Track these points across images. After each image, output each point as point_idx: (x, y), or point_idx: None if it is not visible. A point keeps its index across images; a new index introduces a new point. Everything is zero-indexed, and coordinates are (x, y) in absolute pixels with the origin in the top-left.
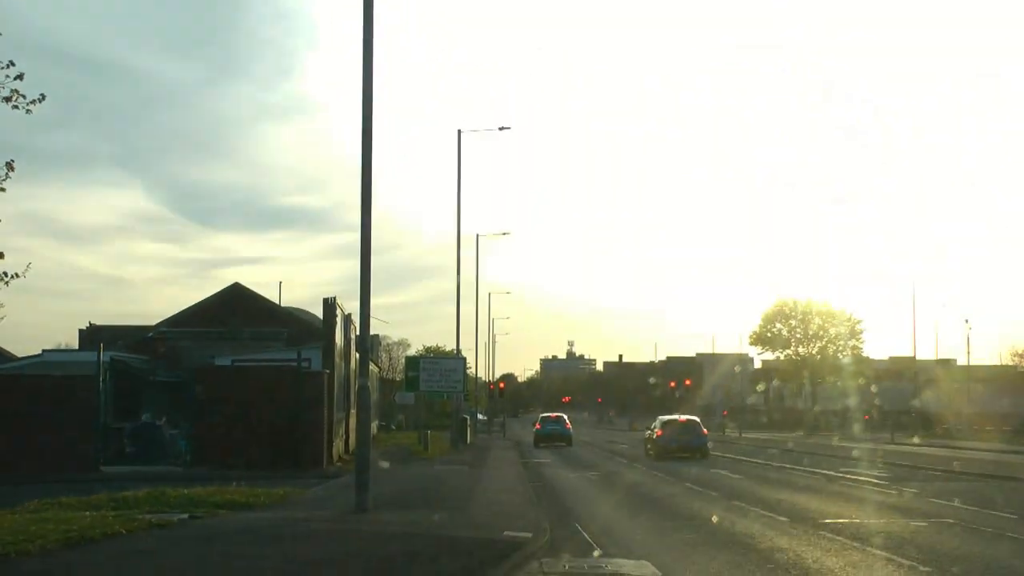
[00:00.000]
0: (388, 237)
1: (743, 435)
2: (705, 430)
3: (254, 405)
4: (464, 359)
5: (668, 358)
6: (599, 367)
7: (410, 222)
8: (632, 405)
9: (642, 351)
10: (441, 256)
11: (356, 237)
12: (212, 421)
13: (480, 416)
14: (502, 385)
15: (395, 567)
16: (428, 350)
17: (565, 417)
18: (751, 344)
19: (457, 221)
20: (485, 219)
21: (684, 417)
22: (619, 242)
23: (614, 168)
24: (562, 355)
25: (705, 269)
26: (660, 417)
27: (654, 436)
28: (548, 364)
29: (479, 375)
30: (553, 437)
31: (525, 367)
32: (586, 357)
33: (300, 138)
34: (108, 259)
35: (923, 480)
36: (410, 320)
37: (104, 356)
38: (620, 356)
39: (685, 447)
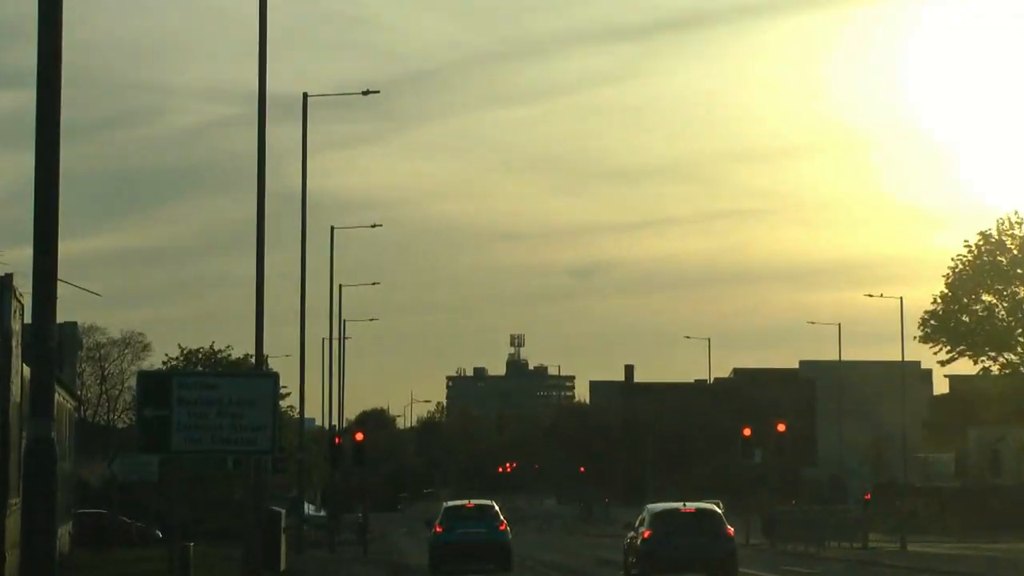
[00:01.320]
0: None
1: (911, 545)
2: (730, 528)
3: None
4: (274, 378)
5: (734, 373)
6: (580, 392)
7: None
8: (660, 477)
9: (671, 362)
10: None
11: None
12: None
13: (311, 509)
14: (359, 437)
15: None
16: (190, 356)
17: (494, 509)
18: (921, 339)
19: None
20: None
21: (692, 505)
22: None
23: None
24: (497, 365)
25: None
26: (650, 506)
27: (639, 541)
28: (464, 385)
29: (318, 418)
30: (471, 552)
31: (416, 394)
32: (553, 372)
33: None
34: None
35: None
36: (157, 293)
37: None
38: (629, 370)
39: (692, 558)
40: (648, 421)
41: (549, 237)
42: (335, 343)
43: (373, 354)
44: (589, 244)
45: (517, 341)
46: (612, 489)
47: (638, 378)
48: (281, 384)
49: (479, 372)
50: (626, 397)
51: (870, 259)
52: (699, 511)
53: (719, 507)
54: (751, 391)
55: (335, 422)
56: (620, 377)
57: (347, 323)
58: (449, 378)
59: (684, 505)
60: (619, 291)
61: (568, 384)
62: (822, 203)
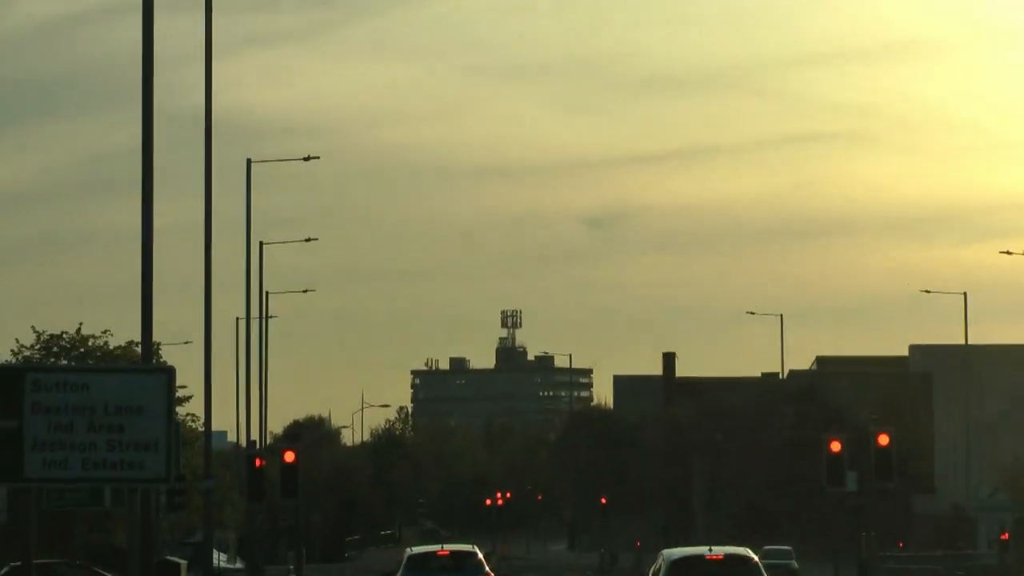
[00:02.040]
0: None
1: None
2: None
3: None
4: (169, 374)
5: (818, 363)
6: (600, 392)
7: None
8: (713, 512)
9: (727, 349)
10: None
11: None
12: None
13: (223, 560)
14: (290, 457)
15: None
16: (49, 344)
17: (477, 557)
18: None
19: None
20: None
21: (721, 551)
22: None
23: None
24: (482, 353)
25: None
26: (668, 552)
27: None
28: (437, 383)
29: (231, 432)
30: None
31: (369, 396)
32: (561, 363)
33: None
34: None
35: None
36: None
37: None
38: (668, 361)
39: None
40: (696, 432)
41: (552, 174)
42: (254, 324)
43: (308, 340)
44: (609, 183)
45: (511, 320)
46: (646, 528)
47: (682, 372)
48: (179, 383)
49: (457, 364)
50: (665, 399)
51: (1006, 202)
52: (729, 558)
53: (754, 554)
54: (841, 389)
55: (255, 437)
56: (656, 370)
57: (271, 296)
58: (415, 373)
59: (710, 551)
60: (651, 248)
61: (583, 380)
62: (938, 123)
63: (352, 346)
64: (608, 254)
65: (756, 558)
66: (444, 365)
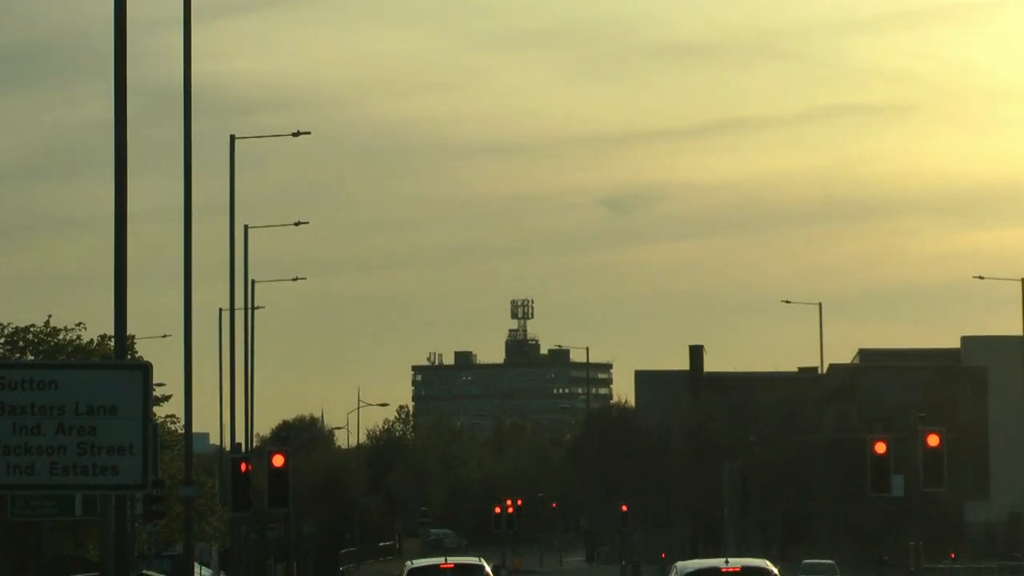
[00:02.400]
0: None
1: None
2: None
3: None
4: (145, 370)
5: (861, 357)
6: (620, 388)
7: None
8: (746, 519)
9: (760, 341)
10: None
11: None
12: None
13: (205, 575)
14: (278, 461)
15: None
16: (14, 337)
17: (484, 570)
18: None
19: None
20: None
21: (738, 563)
22: None
23: None
24: (490, 347)
25: None
26: (681, 565)
27: None
28: (441, 379)
29: (213, 434)
30: None
31: (366, 394)
32: (578, 357)
33: None
34: None
35: None
36: None
37: None
38: (695, 354)
39: None
40: (726, 432)
41: (566, 150)
42: (239, 315)
43: (298, 333)
44: (628, 160)
45: (522, 311)
46: (671, 538)
47: (710, 366)
48: (157, 380)
49: (463, 359)
50: (692, 396)
51: None
52: (747, 571)
53: (772, 566)
54: (886, 385)
55: (241, 439)
56: (681, 365)
57: (257, 285)
58: (417, 369)
59: (727, 563)
60: (676, 232)
61: (601, 376)
62: (989, 93)
63: (347, 339)
64: (628, 238)
65: (775, 570)
66: (448, 360)
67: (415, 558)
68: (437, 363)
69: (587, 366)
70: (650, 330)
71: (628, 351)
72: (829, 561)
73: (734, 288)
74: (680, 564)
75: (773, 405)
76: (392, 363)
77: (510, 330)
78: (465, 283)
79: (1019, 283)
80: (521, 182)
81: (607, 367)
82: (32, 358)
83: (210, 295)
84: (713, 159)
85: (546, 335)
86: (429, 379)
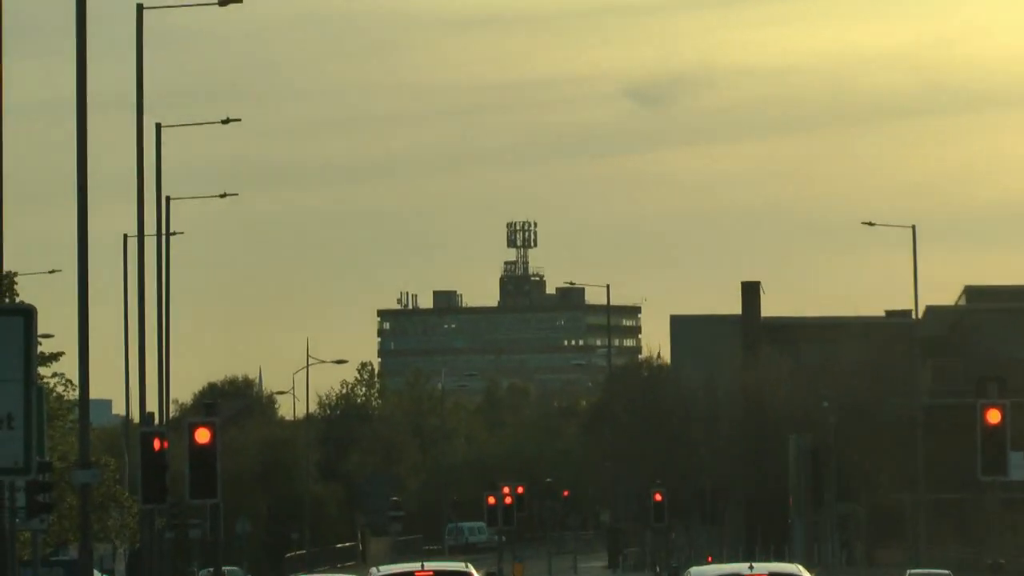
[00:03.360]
0: None
1: None
2: None
3: None
4: (26, 316)
5: (967, 296)
6: (651, 338)
7: None
8: (819, 508)
9: (832, 277)
10: None
11: None
12: None
13: None
14: (203, 436)
15: None
16: None
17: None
18: None
19: None
20: None
21: (764, 568)
22: None
23: None
24: (479, 286)
25: None
26: (695, 571)
27: None
28: (415, 327)
29: (117, 402)
30: None
31: (316, 348)
32: (595, 299)
33: None
34: None
35: None
36: None
37: None
38: (749, 292)
39: None
40: (791, 396)
41: (582, 22)
42: (150, 244)
43: (228, 267)
44: (665, 36)
45: (521, 237)
46: (721, 536)
47: (769, 310)
48: (44, 331)
49: (444, 300)
50: (746, 349)
51: None
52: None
53: (805, 572)
54: (999, 333)
55: (153, 408)
56: (731, 308)
57: (174, 203)
58: (384, 314)
59: (751, 568)
60: (725, 133)
61: (627, 323)
62: None
63: (291, 276)
64: (661, 140)
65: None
66: (426, 302)
67: (382, 564)
68: (411, 306)
69: (607, 310)
70: (690, 262)
71: (661, 290)
72: (944, 572)
73: (800, 206)
74: (695, 570)
75: (853, 361)
76: (351, 307)
77: (506, 262)
78: (447, 200)
79: None
80: (520, 65)
81: (634, 311)
82: None
83: (113, 218)
84: (774, 35)
85: (553, 269)
86: (400, 328)
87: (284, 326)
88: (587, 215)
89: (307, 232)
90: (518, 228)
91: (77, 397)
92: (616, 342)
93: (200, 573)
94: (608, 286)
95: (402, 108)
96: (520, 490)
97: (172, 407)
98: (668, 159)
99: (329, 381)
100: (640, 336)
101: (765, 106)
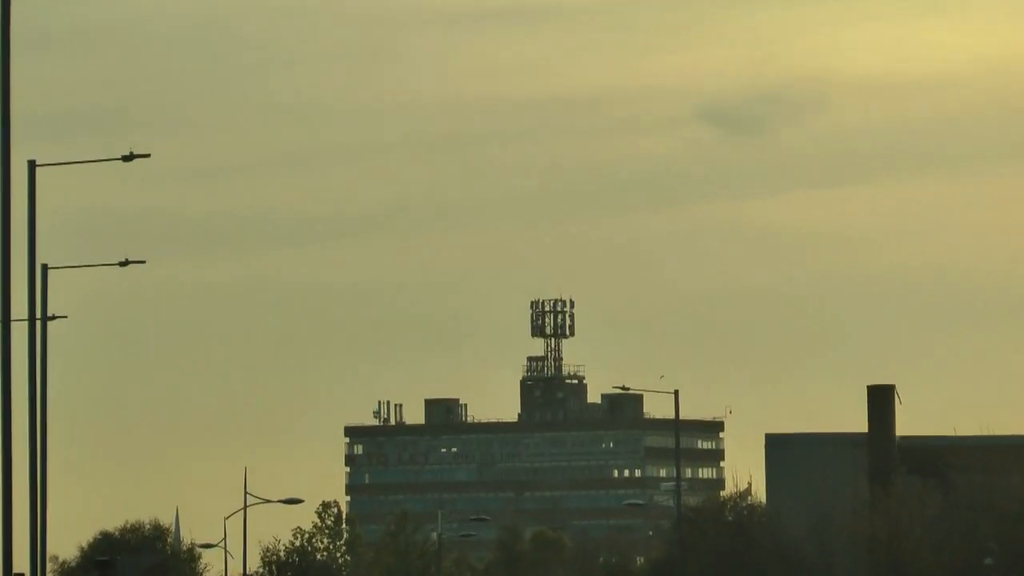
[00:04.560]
0: None
1: None
2: None
3: None
4: None
5: None
6: (739, 465)
7: None
8: None
9: None
10: None
11: None
12: None
13: None
14: None
15: None
16: None
17: None
18: None
19: None
20: None
21: None
22: None
23: None
24: (494, 389)
25: None
26: None
27: None
28: (393, 449)
29: None
30: None
31: (269, 481)
32: (656, 410)
33: None
34: None
35: None
36: None
37: None
38: (881, 399)
39: None
40: (944, 548)
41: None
42: (19, 330)
43: (133, 366)
44: (760, 35)
45: (552, 321)
46: None
47: (906, 425)
48: None
49: (442, 411)
50: (874, 478)
51: None
52: None
53: None
54: None
55: (24, 569)
56: (854, 423)
57: (53, 274)
58: (354, 432)
59: None
60: (841, 170)
61: (704, 444)
62: None
63: (221, 378)
64: (747, 182)
65: None
66: (415, 416)
67: None
68: (393, 421)
69: (675, 426)
70: (791, 359)
71: (751, 399)
72: None
73: (948, 276)
74: None
75: None
76: (308, 423)
77: (530, 358)
78: (445, 268)
79: None
80: (548, 77)
81: (713, 428)
82: None
83: None
84: (909, 33)
85: (597, 367)
86: (377, 452)
87: (212, 451)
88: (643, 290)
89: (245, 315)
90: (547, 309)
91: None
92: (688, 472)
93: None
94: (676, 392)
95: (381, 132)
96: None
97: (50, 567)
98: (757, 209)
99: (277, 528)
100: (722, 464)
101: (896, 133)
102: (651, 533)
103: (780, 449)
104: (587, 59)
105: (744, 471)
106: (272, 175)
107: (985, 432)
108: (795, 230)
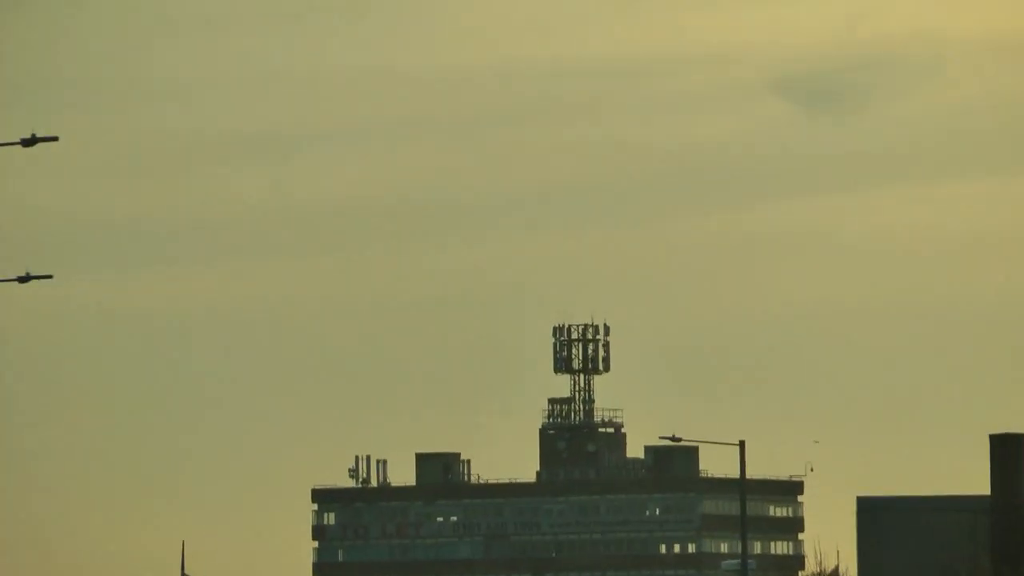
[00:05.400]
0: None
1: None
2: None
3: None
4: None
5: None
6: (823, 536)
7: None
8: None
9: None
10: None
11: None
12: None
13: None
14: None
15: None
16: None
17: None
18: None
19: None
20: None
21: None
22: None
23: None
24: (508, 441)
25: None
26: None
27: None
28: (375, 518)
29: None
30: None
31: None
32: (720, 466)
33: None
34: None
35: None
36: None
37: None
38: (1006, 450)
39: None
40: None
41: None
42: None
43: (34, 415)
44: None
45: (580, 352)
46: None
47: None
48: None
49: (436, 470)
50: (1001, 552)
51: None
52: None
53: None
54: None
55: None
56: (969, 483)
57: None
58: (323, 496)
59: None
60: (941, 157)
61: (778, 511)
62: None
63: (149, 430)
64: (834, 170)
65: None
66: (402, 475)
67: None
68: (374, 482)
69: (741, 486)
70: (888, 398)
71: (836, 452)
72: None
73: None
74: None
75: None
76: (265, 480)
77: (552, 400)
78: (442, 282)
79: None
80: (583, 39)
81: (790, 490)
82: None
83: None
84: None
85: (638, 411)
86: (354, 519)
87: (136, 518)
88: (697, 313)
89: (182, 346)
90: (574, 336)
91: None
92: (757, 547)
93: None
94: (742, 443)
95: (358, 119)
96: None
97: None
98: (846, 207)
99: None
100: (801, 536)
101: None
102: None
103: (876, 516)
104: (631, 19)
105: (829, 545)
106: (215, 169)
107: None
108: (893, 235)
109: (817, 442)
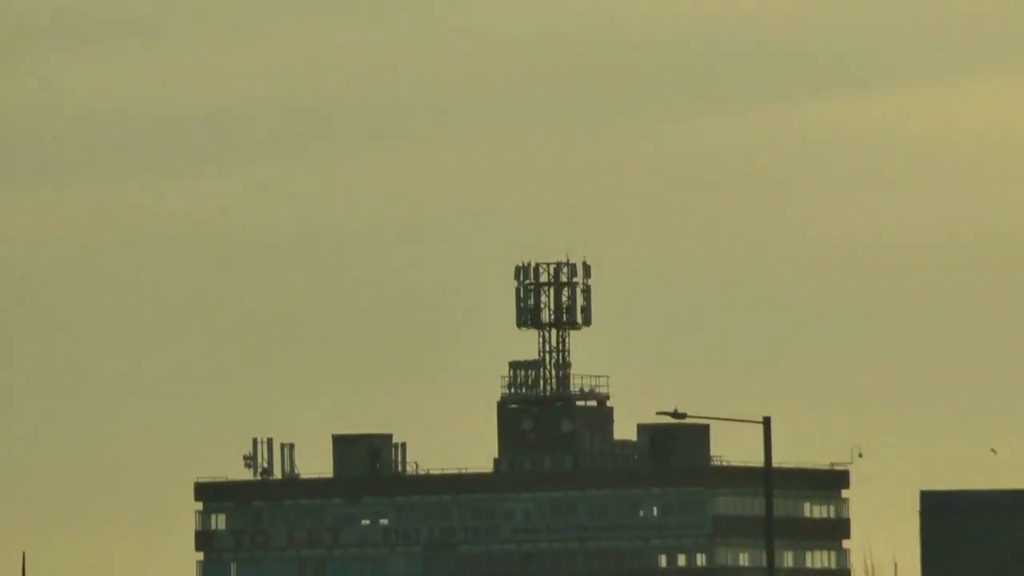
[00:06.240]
0: None
1: None
2: None
3: None
4: None
5: None
6: (876, 542)
7: None
8: None
9: None
10: None
11: None
12: None
13: None
14: None
15: None
16: None
17: None
18: None
19: None
20: None
21: None
22: None
23: None
24: (466, 399)
25: None
26: None
27: None
28: (270, 518)
29: None
30: None
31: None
32: (727, 450)
33: None
34: None
35: None
36: None
37: None
38: None
39: None
40: None
41: None
42: None
43: None
44: None
45: (551, 298)
46: None
47: None
48: None
49: (362, 459)
50: None
51: None
52: None
53: None
54: None
55: None
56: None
57: None
58: (208, 491)
59: None
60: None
61: (817, 511)
62: None
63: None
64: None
65: None
66: (315, 463)
67: None
68: (279, 472)
69: (767, 478)
70: (950, 371)
71: (889, 435)
72: None
73: None
74: None
75: None
76: (138, 472)
77: (514, 364)
78: (369, 212)
79: None
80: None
81: (832, 482)
82: None
83: None
84: None
85: (628, 379)
86: (250, 523)
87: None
88: (703, 248)
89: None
90: (543, 279)
91: None
92: (788, 558)
93: None
94: (767, 421)
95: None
96: None
97: None
98: (906, 105)
99: None
100: (847, 543)
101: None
102: None
103: (941, 514)
104: None
105: (884, 550)
106: None
107: None
108: (960, 143)
109: (994, 451)
